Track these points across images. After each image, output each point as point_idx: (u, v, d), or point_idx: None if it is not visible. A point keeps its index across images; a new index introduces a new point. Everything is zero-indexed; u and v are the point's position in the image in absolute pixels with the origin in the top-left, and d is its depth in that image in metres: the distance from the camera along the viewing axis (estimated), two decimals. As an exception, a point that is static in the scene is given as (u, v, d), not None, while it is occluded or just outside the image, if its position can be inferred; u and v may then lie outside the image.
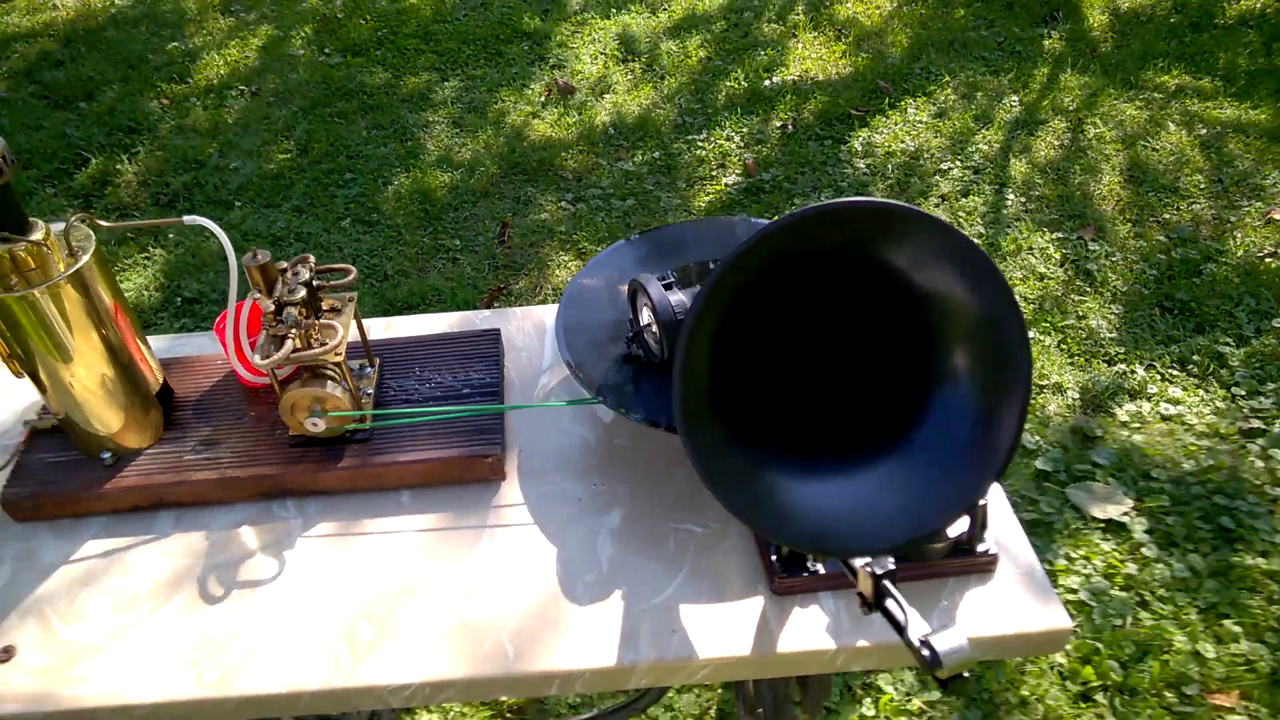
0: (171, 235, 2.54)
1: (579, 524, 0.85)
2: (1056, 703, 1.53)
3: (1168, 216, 2.45)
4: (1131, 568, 1.70)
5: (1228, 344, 2.11)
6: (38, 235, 0.77)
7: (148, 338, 0.93)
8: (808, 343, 0.58)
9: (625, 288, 0.95)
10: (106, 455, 0.88)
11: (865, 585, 0.62)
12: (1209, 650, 1.56)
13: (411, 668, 0.76)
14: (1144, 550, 1.72)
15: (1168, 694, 1.53)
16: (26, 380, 0.97)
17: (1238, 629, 1.58)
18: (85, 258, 0.80)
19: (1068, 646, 1.62)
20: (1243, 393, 2.01)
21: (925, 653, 0.57)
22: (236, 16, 3.52)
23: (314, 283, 0.83)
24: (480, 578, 0.82)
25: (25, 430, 0.92)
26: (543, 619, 0.79)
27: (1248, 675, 1.52)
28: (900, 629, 0.60)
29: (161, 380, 0.92)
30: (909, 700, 1.56)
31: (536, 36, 3.28)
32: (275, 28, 3.43)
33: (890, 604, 0.61)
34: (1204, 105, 2.79)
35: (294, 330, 0.80)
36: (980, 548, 0.78)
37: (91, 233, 0.82)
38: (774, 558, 0.79)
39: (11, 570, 0.85)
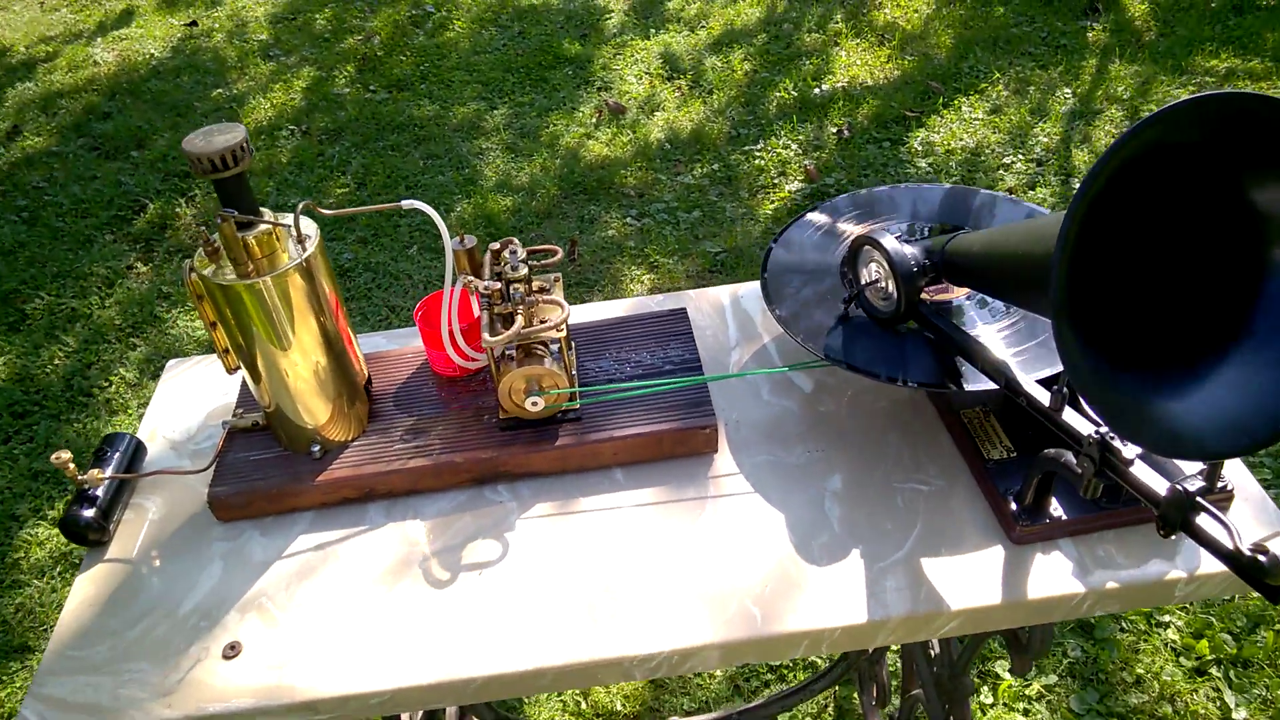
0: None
1: (801, 490, 0.84)
2: (1172, 679, 1.51)
3: (1236, 195, 2.46)
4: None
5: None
6: (270, 221, 0.77)
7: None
8: (1146, 244, 0.58)
9: (847, 245, 0.95)
10: (316, 448, 0.88)
11: (1172, 507, 0.61)
12: None
13: (658, 637, 0.75)
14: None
15: None
16: (216, 385, 0.97)
17: None
18: (312, 247, 0.80)
19: (1179, 622, 1.60)
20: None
21: (1263, 558, 0.56)
22: (277, 60, 3.58)
23: (529, 261, 0.83)
24: (710, 547, 0.81)
25: (225, 430, 0.92)
26: (784, 581, 0.78)
27: None
28: (1220, 546, 0.59)
29: (367, 374, 0.92)
30: (1028, 685, 1.54)
31: (579, 61, 3.32)
32: (317, 68, 3.48)
33: (1203, 520, 0.60)
34: (1257, 86, 2.81)
35: (520, 307, 0.80)
36: (1219, 484, 0.77)
37: (315, 222, 0.83)
38: (1013, 506, 0.79)
39: (223, 568, 0.85)
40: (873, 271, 0.83)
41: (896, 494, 0.83)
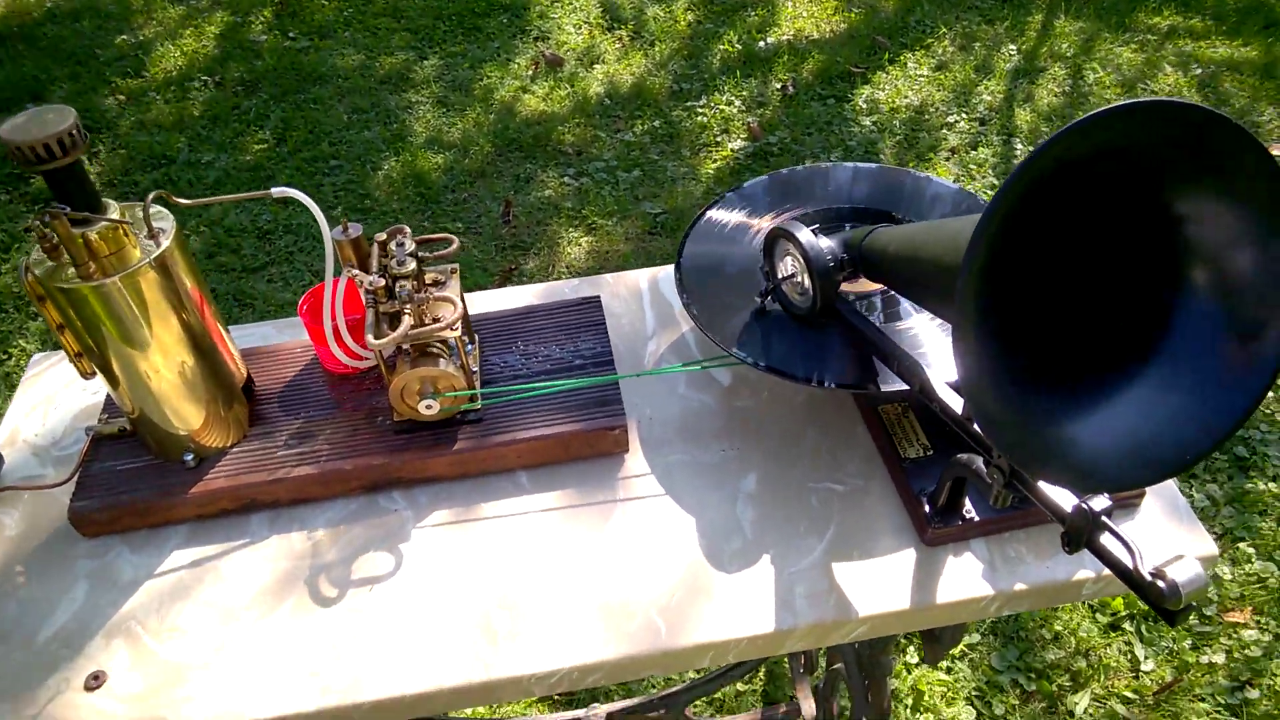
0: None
1: (714, 491, 0.80)
2: (1088, 634, 1.56)
3: (1175, 156, 2.45)
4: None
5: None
6: (113, 215, 0.69)
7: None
8: (1054, 261, 0.54)
9: (760, 237, 0.90)
10: (189, 457, 0.81)
11: (1076, 525, 0.57)
12: (1226, 572, 1.63)
13: (557, 653, 0.71)
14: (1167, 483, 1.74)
15: (1189, 616, 1.56)
16: (90, 382, 0.89)
17: (1251, 550, 1.65)
18: (167, 241, 0.72)
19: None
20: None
21: (1161, 585, 0.53)
22: (187, 4, 3.37)
23: (418, 254, 0.76)
24: (618, 555, 0.76)
25: (89, 438, 0.84)
26: (692, 590, 0.74)
27: (1260, 592, 1.59)
28: (1123, 567, 0.56)
29: (246, 373, 0.85)
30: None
31: (514, 8, 3.18)
32: (231, 13, 3.29)
33: (1107, 540, 0.57)
34: (1197, 45, 2.79)
35: (408, 306, 0.73)
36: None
37: (170, 213, 0.74)
38: (926, 508, 0.75)
39: (88, 590, 0.78)
40: (789, 265, 0.78)
41: (811, 494, 0.79)
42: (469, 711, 1.50)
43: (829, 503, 0.79)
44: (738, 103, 2.71)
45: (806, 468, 0.81)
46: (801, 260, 0.75)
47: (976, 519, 0.75)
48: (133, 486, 0.81)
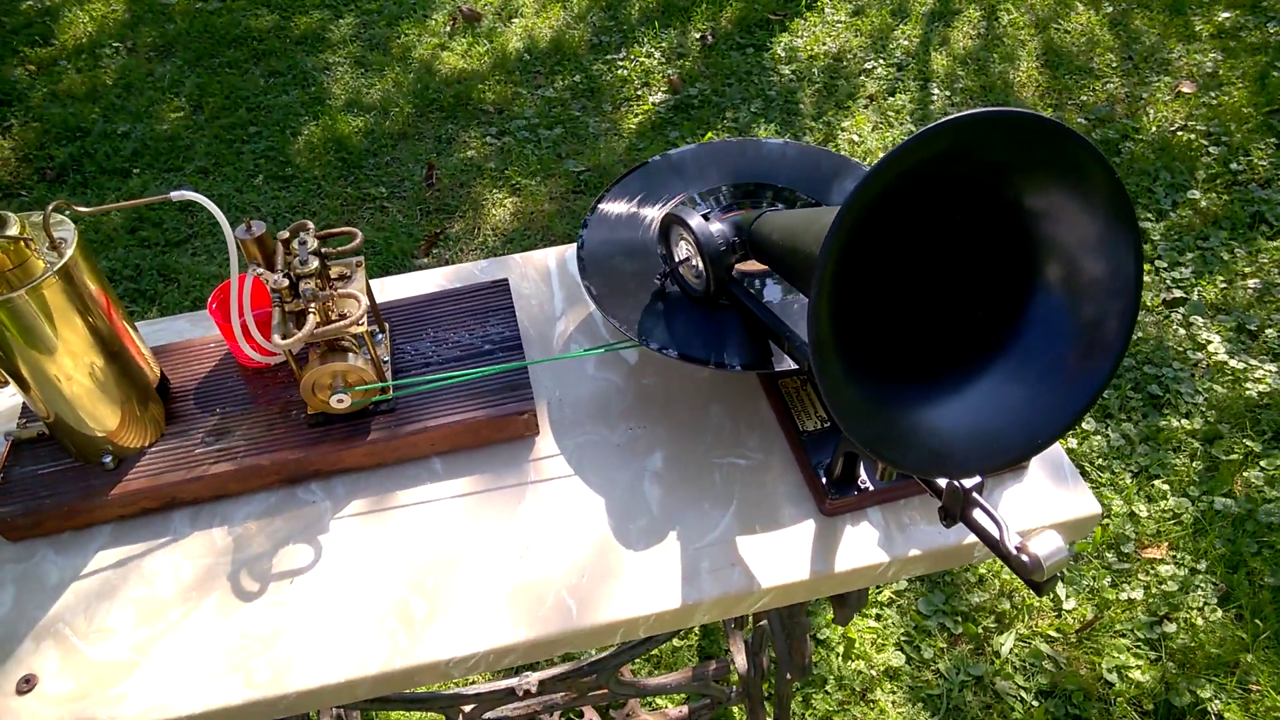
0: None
1: (622, 470, 0.84)
2: (1011, 577, 1.62)
3: (1085, 98, 2.51)
4: (1073, 442, 1.79)
5: (1148, 219, 2.20)
6: (13, 230, 0.69)
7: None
8: (910, 261, 0.58)
9: (655, 221, 0.92)
10: (108, 459, 0.82)
11: (952, 500, 0.62)
12: (1142, 510, 1.68)
13: (473, 637, 0.74)
14: (1084, 425, 1.82)
15: (1108, 554, 1.64)
16: (3, 389, 0.89)
17: (1165, 487, 1.71)
18: (70, 251, 0.73)
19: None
20: (1164, 265, 2.11)
21: (1024, 558, 0.58)
22: (93, -36, 3.22)
23: (322, 251, 0.78)
24: (530, 536, 0.80)
25: (8, 443, 0.85)
26: (601, 570, 0.78)
27: (1175, 528, 1.65)
28: (993, 539, 0.61)
29: (159, 372, 0.86)
30: (879, 592, 1.63)
31: (431, -38, 3.10)
32: (140, -27, 3.15)
33: (978, 515, 0.62)
34: (1107, -16, 2.85)
35: (313, 305, 0.75)
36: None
37: (72, 222, 0.75)
38: (823, 480, 0.80)
39: (15, 593, 0.79)
40: (684, 249, 0.81)
41: (715, 470, 0.84)
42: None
43: (732, 478, 0.83)
44: (657, 54, 2.70)
45: (710, 443, 0.86)
46: (694, 245, 0.78)
47: (871, 489, 0.79)
48: (54, 490, 0.82)
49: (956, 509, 0.63)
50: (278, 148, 2.50)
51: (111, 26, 2.94)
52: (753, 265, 0.88)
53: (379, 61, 2.74)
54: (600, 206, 0.93)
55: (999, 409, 0.55)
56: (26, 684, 0.74)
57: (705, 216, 0.76)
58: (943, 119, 0.51)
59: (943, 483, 0.63)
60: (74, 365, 0.78)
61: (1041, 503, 0.81)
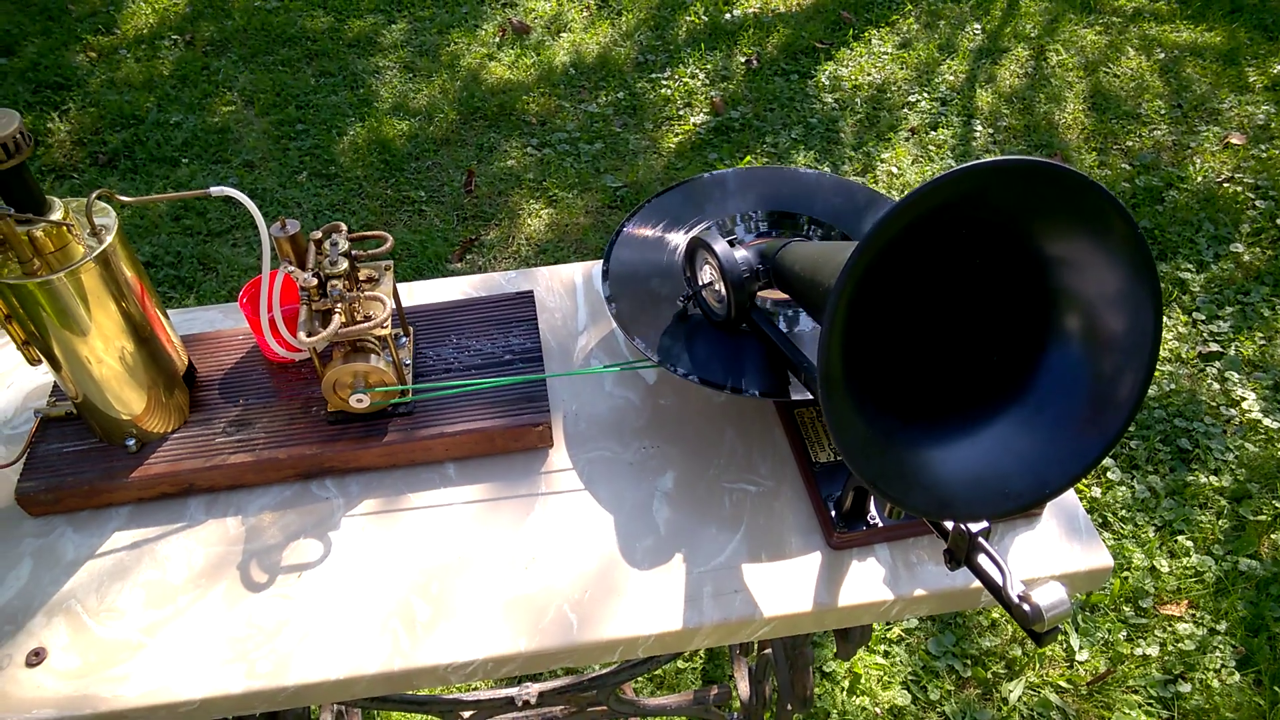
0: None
1: (633, 488, 0.84)
2: None
3: (1130, 144, 2.49)
4: (1096, 491, 1.76)
5: (1189, 270, 2.17)
6: (57, 215, 0.72)
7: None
8: (927, 302, 0.58)
9: (679, 246, 0.93)
10: (131, 441, 0.84)
11: (957, 543, 0.62)
12: (1163, 565, 1.65)
13: (473, 644, 0.75)
14: (1109, 474, 1.79)
15: (1125, 608, 1.60)
16: (37, 367, 0.92)
17: (1189, 543, 1.67)
18: (109, 238, 0.75)
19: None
20: (1203, 317, 2.07)
21: (1026, 607, 0.58)
22: (159, -42, 3.31)
23: (352, 253, 0.79)
24: (536, 548, 0.81)
25: (37, 419, 0.87)
26: (604, 586, 0.78)
27: (1196, 586, 1.62)
28: (996, 586, 0.60)
29: (187, 360, 0.88)
30: (889, 629, 1.61)
31: (485, -27, 3.15)
32: (203, -31, 3.23)
33: (983, 560, 0.61)
34: (1161, 29, 2.82)
35: (339, 305, 0.76)
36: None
37: (113, 210, 0.77)
38: (832, 513, 0.80)
39: (32, 567, 0.81)
40: (709, 274, 0.81)
41: (726, 494, 0.84)
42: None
43: (741, 503, 0.83)
44: (701, 75, 2.72)
45: (722, 467, 0.86)
46: (717, 270, 0.78)
47: (880, 524, 0.78)
48: (77, 469, 0.84)
49: (961, 553, 0.62)
50: (323, 146, 2.54)
51: (172, 19, 3.02)
52: (775, 293, 0.88)
53: (427, 67, 2.78)
54: (629, 226, 0.94)
55: (1007, 455, 0.54)
56: (36, 656, 0.75)
57: (731, 242, 0.76)
58: (958, 166, 0.51)
59: (950, 525, 0.63)
60: (105, 348, 0.80)
61: (1053, 552, 0.79)
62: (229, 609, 0.78)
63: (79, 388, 0.81)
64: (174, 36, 2.94)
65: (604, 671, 1.14)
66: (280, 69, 2.80)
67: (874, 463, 0.51)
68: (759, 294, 0.83)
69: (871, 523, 0.79)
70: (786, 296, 0.88)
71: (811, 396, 0.78)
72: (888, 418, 0.55)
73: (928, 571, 0.78)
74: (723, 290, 0.80)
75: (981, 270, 0.57)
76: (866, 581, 0.78)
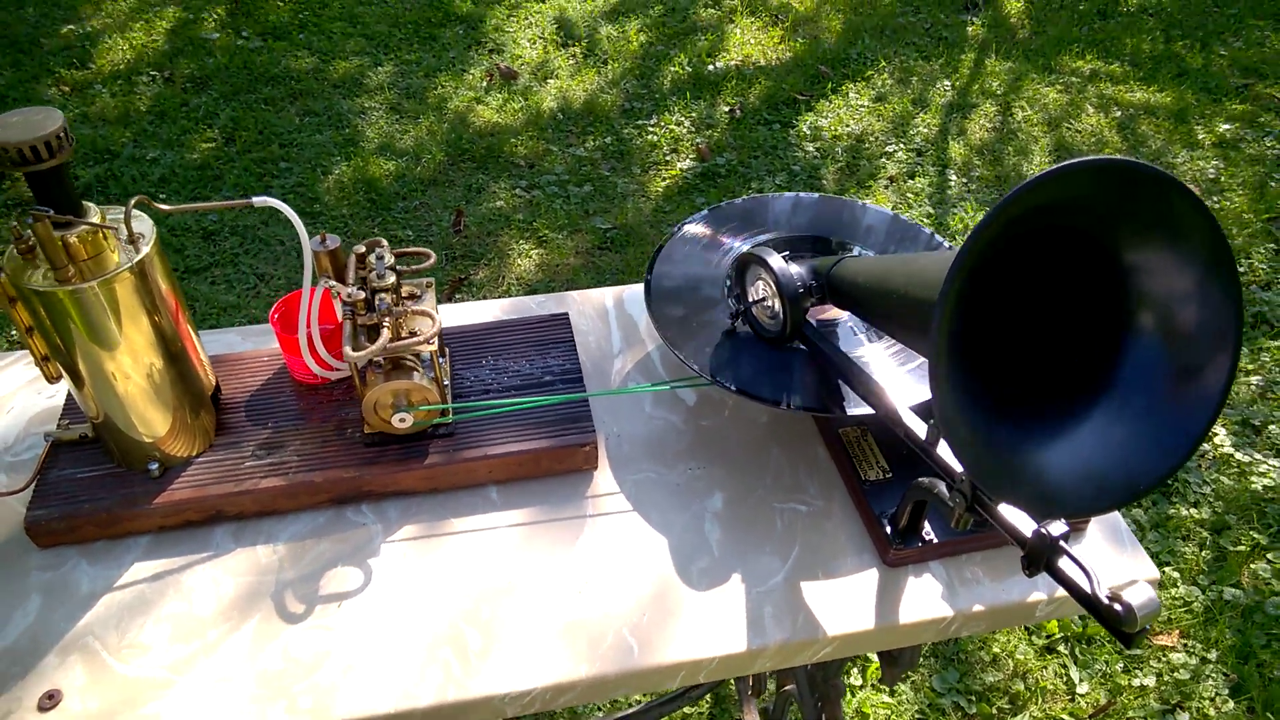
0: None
1: (682, 510, 0.82)
2: (1024, 657, 1.61)
3: (1101, 193, 2.57)
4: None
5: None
6: (94, 219, 0.69)
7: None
8: (1014, 302, 0.57)
9: (726, 262, 0.92)
10: (154, 465, 0.80)
11: (1037, 548, 0.61)
12: None
13: (530, 672, 0.72)
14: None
15: None
16: (43, 387, 0.87)
17: (1175, 574, 1.71)
18: (147, 248, 0.72)
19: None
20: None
21: (1118, 608, 0.57)
22: (137, -2, 3.29)
23: (396, 268, 0.77)
24: (588, 571, 0.78)
25: (47, 443, 0.82)
26: (662, 609, 0.76)
27: (1186, 616, 1.65)
28: (1080, 590, 0.59)
29: (214, 381, 0.84)
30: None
31: (470, 20, 3.18)
32: (183, 9, 3.22)
33: (1065, 564, 0.61)
34: (1116, 89, 2.94)
35: (386, 319, 0.74)
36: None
37: (151, 219, 0.74)
38: (887, 529, 0.79)
39: (42, 603, 0.76)
40: (760, 289, 0.81)
41: (776, 515, 0.82)
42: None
43: (793, 523, 0.82)
44: (687, 123, 2.76)
45: (770, 487, 0.84)
46: (773, 285, 0.78)
47: (936, 541, 0.78)
48: (94, 495, 0.79)
49: (1042, 558, 0.61)
50: (307, 184, 2.52)
51: (150, 55, 2.99)
52: (820, 312, 0.88)
53: (414, 109, 2.79)
54: (669, 245, 0.94)
55: (1103, 450, 0.54)
56: (50, 700, 0.70)
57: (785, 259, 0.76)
58: (1048, 169, 0.51)
59: (1027, 531, 0.62)
60: (133, 364, 0.76)
61: (1100, 564, 0.80)
62: (264, 642, 0.73)
63: (101, 407, 0.77)
64: (152, 72, 2.91)
65: (619, 715, 1.10)
66: (263, 107, 2.77)
67: (981, 463, 0.51)
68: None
69: (927, 539, 0.78)
70: (831, 315, 0.88)
71: (869, 411, 0.77)
72: (988, 418, 0.55)
73: (984, 587, 0.78)
74: (776, 306, 0.80)
75: (1062, 268, 0.57)
76: (924, 598, 0.77)
